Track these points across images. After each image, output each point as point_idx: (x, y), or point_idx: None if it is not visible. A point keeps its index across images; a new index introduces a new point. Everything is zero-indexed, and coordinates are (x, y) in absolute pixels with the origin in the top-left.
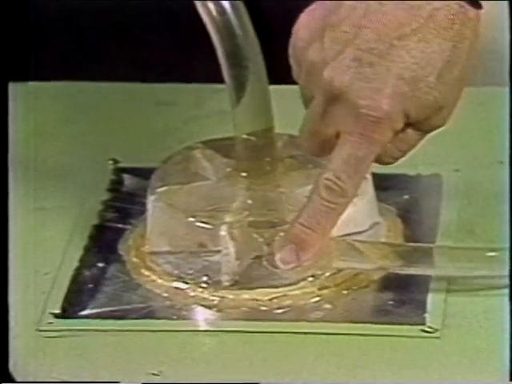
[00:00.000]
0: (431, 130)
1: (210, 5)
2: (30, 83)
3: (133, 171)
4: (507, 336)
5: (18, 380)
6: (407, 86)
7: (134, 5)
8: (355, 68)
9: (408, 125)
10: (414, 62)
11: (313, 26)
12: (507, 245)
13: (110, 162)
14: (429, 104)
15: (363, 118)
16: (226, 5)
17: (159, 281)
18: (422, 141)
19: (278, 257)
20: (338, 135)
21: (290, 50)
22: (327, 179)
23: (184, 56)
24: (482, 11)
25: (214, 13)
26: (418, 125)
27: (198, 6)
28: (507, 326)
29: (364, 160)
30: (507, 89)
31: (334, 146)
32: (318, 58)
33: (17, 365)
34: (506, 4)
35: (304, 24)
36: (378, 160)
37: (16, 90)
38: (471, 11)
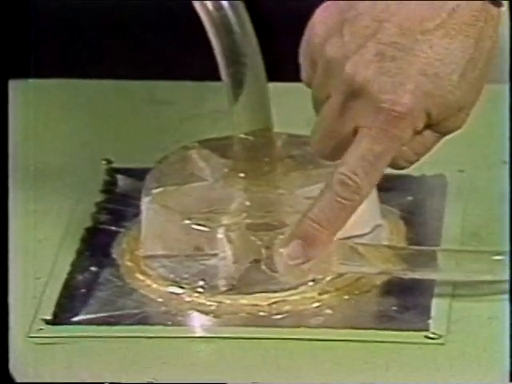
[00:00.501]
0: (448, 133)
1: (208, 1)
2: (30, 80)
3: (127, 172)
4: (507, 337)
5: (18, 381)
6: (430, 83)
7: (131, 3)
8: (378, 62)
9: (426, 126)
10: (437, 58)
11: (330, 22)
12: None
13: (104, 162)
14: (450, 103)
15: (384, 112)
16: (224, 1)
17: (154, 285)
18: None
19: (284, 251)
20: (355, 134)
21: (303, 48)
22: (342, 174)
23: (181, 53)
24: (503, 9)
25: (211, 9)
26: (436, 126)
27: (195, 2)
28: (507, 330)
29: (382, 156)
30: (507, 86)
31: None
32: (337, 53)
33: (14, 367)
34: (505, 4)
35: (320, 20)
36: (393, 164)
37: (15, 88)
38: (493, 9)
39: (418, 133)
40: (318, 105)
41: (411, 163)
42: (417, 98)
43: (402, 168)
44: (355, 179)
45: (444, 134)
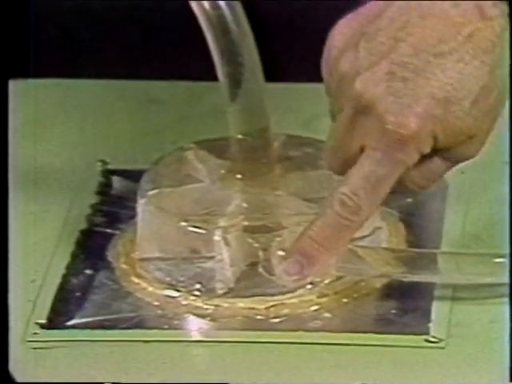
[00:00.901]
0: (459, 161)
1: (204, 1)
2: (30, 80)
3: (122, 173)
4: (507, 341)
5: (18, 381)
6: (439, 108)
7: (129, 4)
8: (387, 81)
9: (435, 152)
10: (448, 82)
11: (348, 35)
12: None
13: (99, 163)
14: (460, 130)
15: (389, 134)
16: (221, 0)
17: (150, 288)
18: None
19: (281, 267)
20: (362, 151)
21: (324, 58)
22: (343, 194)
23: (177, 53)
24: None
25: (208, 8)
26: (446, 153)
27: (192, 1)
28: (507, 334)
29: (385, 179)
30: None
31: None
32: (350, 68)
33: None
34: (505, 4)
35: (340, 31)
36: (402, 186)
37: (15, 88)
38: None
39: (426, 158)
40: (334, 114)
41: (421, 188)
42: (424, 121)
43: (412, 191)
44: (355, 200)
45: (455, 162)
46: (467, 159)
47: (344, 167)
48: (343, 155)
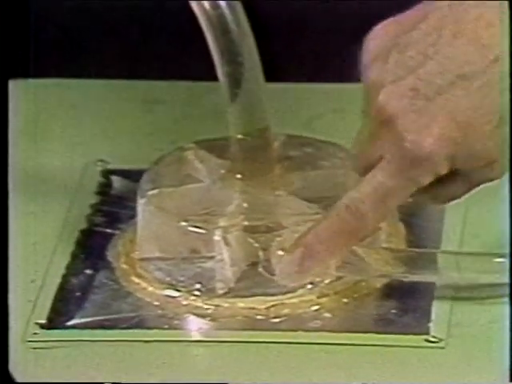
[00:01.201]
0: (481, 183)
1: (204, 0)
2: (30, 80)
3: (122, 173)
4: (507, 341)
5: (18, 381)
6: (458, 131)
7: (129, 3)
8: (410, 98)
9: (456, 173)
10: (470, 106)
11: (383, 41)
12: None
13: (99, 163)
14: (480, 155)
15: (405, 151)
16: (221, 0)
17: (150, 288)
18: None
19: (284, 257)
20: (380, 161)
21: (361, 59)
22: (351, 199)
23: (177, 53)
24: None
25: (208, 8)
26: (467, 175)
27: (192, 1)
28: (507, 334)
29: (394, 194)
30: None
31: None
32: (377, 77)
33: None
34: (506, 4)
35: (376, 36)
36: (421, 199)
37: (15, 88)
38: None
39: (447, 177)
40: (365, 116)
41: (442, 203)
42: (440, 143)
43: (431, 205)
44: (361, 208)
45: (477, 184)
46: (490, 181)
47: (366, 171)
48: (365, 160)
